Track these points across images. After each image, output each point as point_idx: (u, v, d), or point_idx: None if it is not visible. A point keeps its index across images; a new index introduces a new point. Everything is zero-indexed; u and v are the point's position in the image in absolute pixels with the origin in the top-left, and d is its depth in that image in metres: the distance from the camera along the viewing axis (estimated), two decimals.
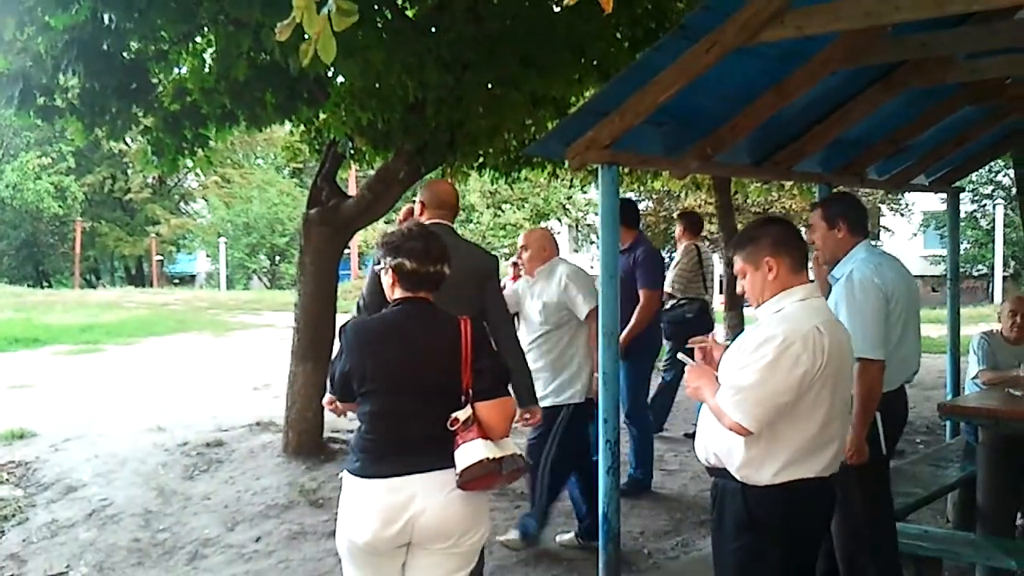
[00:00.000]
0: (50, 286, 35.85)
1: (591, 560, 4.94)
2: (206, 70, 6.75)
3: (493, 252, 5.16)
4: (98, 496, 6.44)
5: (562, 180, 14.72)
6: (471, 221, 32.26)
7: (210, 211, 39.48)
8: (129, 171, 38.12)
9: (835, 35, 4.20)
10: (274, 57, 5.71)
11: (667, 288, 7.46)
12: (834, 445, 3.11)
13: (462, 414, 3.03)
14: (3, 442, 7.78)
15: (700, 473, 6.82)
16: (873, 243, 4.40)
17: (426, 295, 3.18)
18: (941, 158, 6.66)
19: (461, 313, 3.22)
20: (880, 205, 31.68)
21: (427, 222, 4.24)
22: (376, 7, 5.92)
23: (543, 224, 33.81)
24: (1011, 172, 16.81)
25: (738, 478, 3.07)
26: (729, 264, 13.08)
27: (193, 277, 45.08)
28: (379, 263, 3.27)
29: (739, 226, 13.49)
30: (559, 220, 34.55)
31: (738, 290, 3.25)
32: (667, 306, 7.52)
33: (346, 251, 8.44)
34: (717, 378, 3.11)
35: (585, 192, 29.80)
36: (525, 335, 5.24)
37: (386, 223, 19.92)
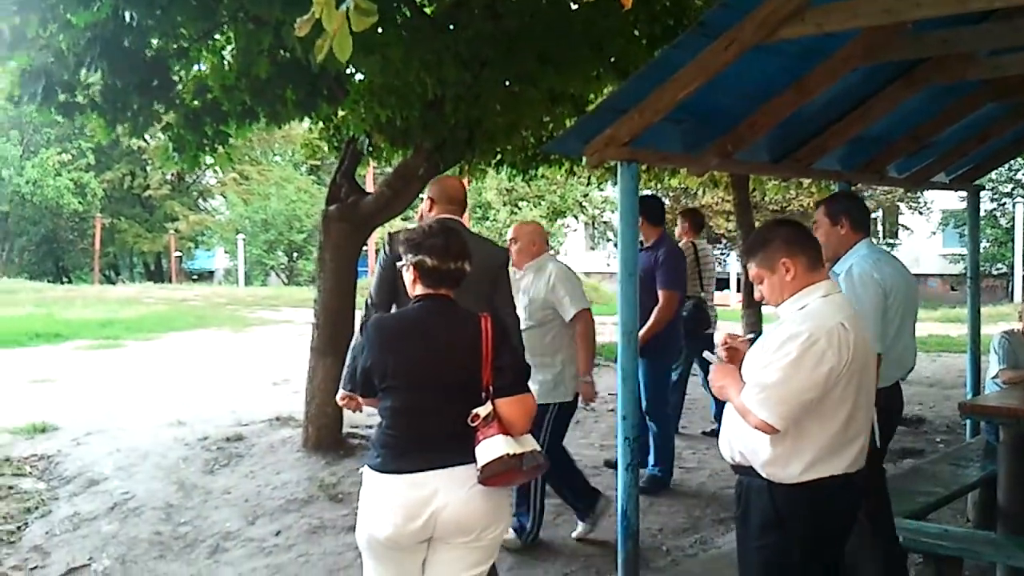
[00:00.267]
0: (70, 282, 36.08)
1: (609, 557, 4.95)
2: (226, 67, 6.78)
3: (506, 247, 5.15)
4: (120, 489, 6.49)
5: (579, 178, 14.73)
6: (487, 219, 32.26)
7: (228, 208, 39.64)
8: (148, 168, 38.37)
9: (855, 32, 4.19)
10: (295, 54, 5.73)
11: None
12: (859, 441, 3.09)
13: (483, 410, 3.05)
14: (26, 436, 7.86)
15: (719, 471, 6.83)
16: (875, 241, 4.48)
17: (447, 292, 3.20)
18: (962, 155, 6.62)
19: (478, 308, 3.23)
20: (899, 203, 31.55)
21: (440, 218, 4.28)
22: (395, 4, 5.94)
23: (560, 222, 33.86)
24: None
25: (764, 476, 3.07)
26: (745, 265, 13.03)
27: (211, 273, 45.28)
28: (389, 259, 3.28)
29: (756, 223, 13.46)
30: (575, 217, 34.56)
31: (756, 296, 3.24)
32: None
33: (364, 248, 8.47)
34: (742, 377, 3.11)
35: (602, 190, 29.79)
36: None
37: (403, 220, 19.99)
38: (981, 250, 10.55)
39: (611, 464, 7.23)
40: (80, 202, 36.50)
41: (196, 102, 6.91)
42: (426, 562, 3.19)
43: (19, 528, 5.85)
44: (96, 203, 37.69)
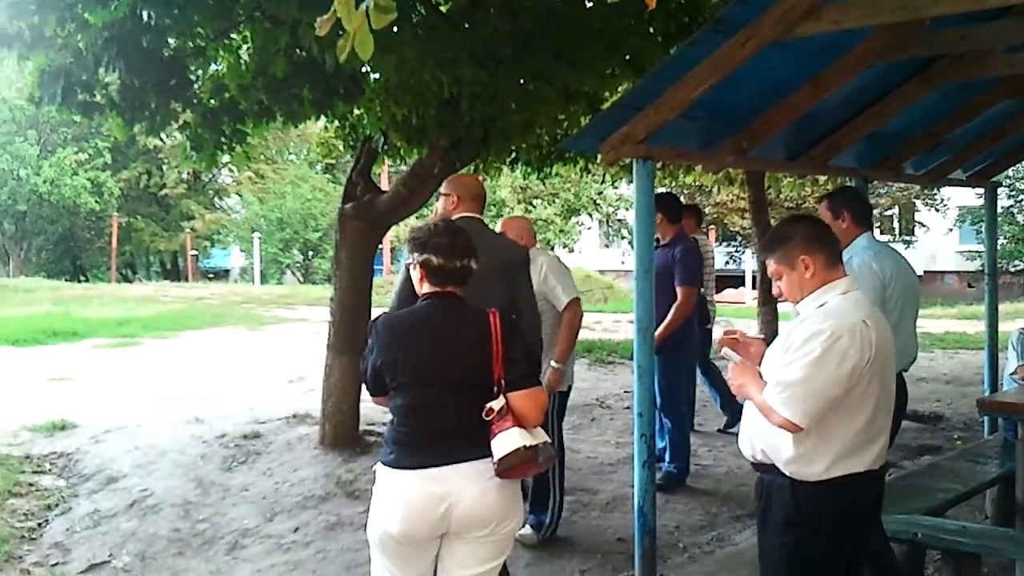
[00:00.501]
0: (87, 280, 36.33)
1: (626, 553, 4.97)
2: (243, 66, 6.82)
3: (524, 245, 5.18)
4: (138, 487, 6.54)
5: (593, 175, 14.72)
6: (502, 216, 32.26)
7: (244, 206, 39.82)
8: (164, 167, 38.58)
9: (872, 29, 4.18)
10: (311, 53, 5.75)
11: None
12: (882, 438, 3.10)
13: (496, 404, 3.08)
14: (45, 433, 7.92)
15: (735, 468, 6.82)
16: (890, 238, 4.56)
17: (454, 289, 3.23)
18: (979, 152, 6.60)
19: (495, 305, 3.25)
20: (915, 200, 31.39)
21: (462, 215, 4.33)
22: (411, 3, 5.95)
23: (574, 219, 33.87)
24: None
25: (787, 474, 3.07)
26: (762, 261, 13.01)
27: (227, 272, 45.49)
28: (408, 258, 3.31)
29: (772, 221, 13.43)
30: (590, 215, 34.54)
31: (774, 292, 3.24)
32: None
33: (379, 246, 8.50)
34: (761, 375, 3.11)
35: (616, 187, 29.77)
36: None
37: (418, 219, 20.02)
38: (998, 247, 10.51)
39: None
40: (97, 201, 36.71)
41: (213, 101, 6.95)
42: (440, 557, 3.21)
43: (40, 525, 5.91)
44: (113, 202, 37.92)
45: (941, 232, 33.87)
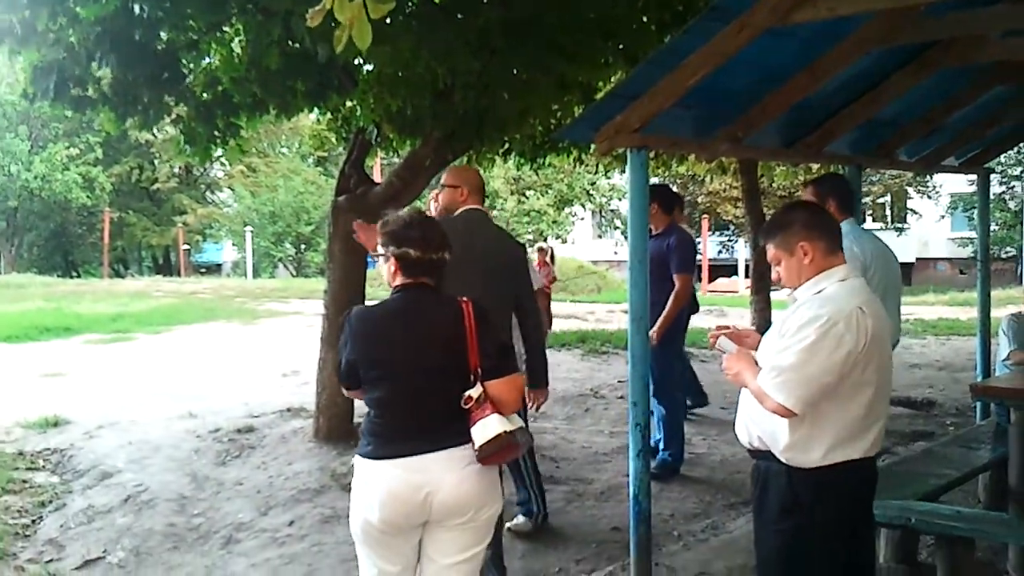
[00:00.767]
0: (79, 276, 36.21)
1: (621, 542, 4.97)
2: (236, 59, 6.79)
3: (518, 238, 5.22)
4: (133, 482, 6.52)
5: (586, 166, 14.72)
6: (495, 207, 32.24)
7: (236, 200, 39.68)
8: (156, 161, 38.43)
9: (867, 15, 4.17)
10: (304, 45, 5.73)
11: None
12: (878, 425, 3.10)
13: (475, 391, 3.11)
14: (38, 429, 7.90)
15: (728, 456, 6.84)
16: (854, 221, 4.67)
17: (427, 280, 3.23)
18: (972, 139, 6.60)
19: (504, 300, 3.25)
20: (908, 188, 31.48)
21: (470, 207, 4.39)
22: None
23: (567, 210, 33.85)
24: None
25: (783, 460, 3.07)
26: (755, 248, 13.04)
27: (220, 266, 45.36)
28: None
29: (765, 209, 13.45)
30: (583, 206, 34.54)
31: (773, 277, 3.25)
32: None
33: None
34: (756, 362, 3.11)
35: (609, 178, 29.79)
36: None
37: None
38: (990, 233, 10.55)
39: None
40: (88, 196, 36.58)
41: (206, 94, 6.92)
42: (422, 547, 3.24)
43: (34, 521, 5.88)
44: (104, 197, 37.75)
45: (933, 219, 33.98)
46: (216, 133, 7.06)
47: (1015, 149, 24.39)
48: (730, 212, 28.70)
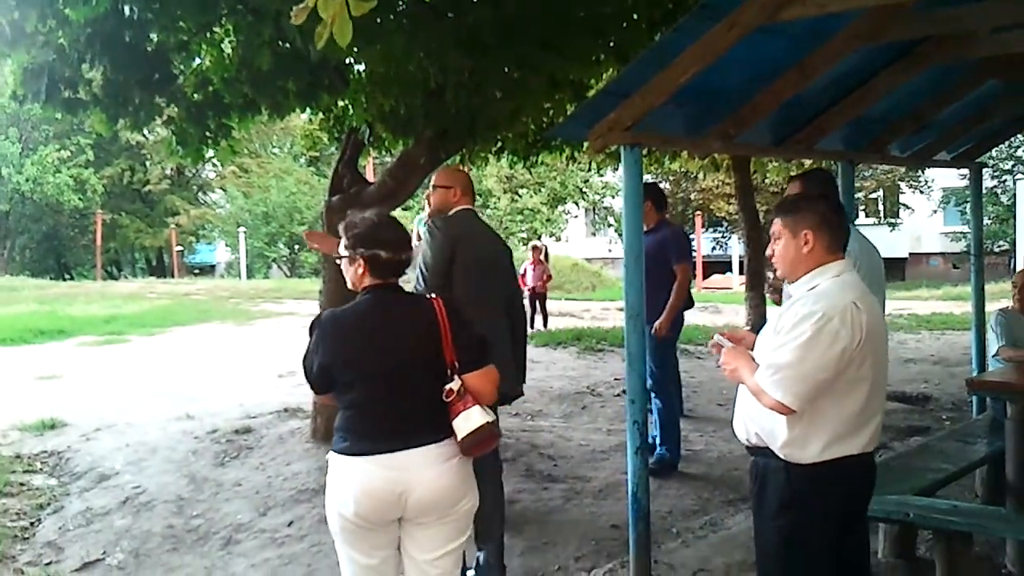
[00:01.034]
0: (72, 278, 36.10)
1: (620, 539, 4.99)
2: (227, 60, 6.78)
3: (512, 236, 5.26)
4: (131, 484, 6.52)
5: (579, 164, 14.72)
6: (488, 206, 32.22)
7: (228, 201, 39.59)
8: (147, 163, 38.33)
9: (857, 12, 4.18)
10: (295, 45, 5.73)
11: None
12: (876, 420, 3.11)
13: (455, 385, 3.14)
14: (35, 432, 7.88)
15: (726, 453, 6.86)
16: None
17: (394, 280, 3.26)
18: (964, 133, 6.61)
19: (499, 302, 3.27)
20: (900, 183, 31.54)
21: (462, 207, 4.42)
22: None
23: (560, 208, 33.84)
24: None
25: (782, 456, 3.09)
26: (749, 243, 13.06)
27: (213, 267, 45.26)
28: (446, 241, 3.28)
29: (757, 206, 13.47)
30: (576, 204, 34.53)
31: (767, 252, 3.27)
32: None
33: None
34: (753, 359, 3.13)
35: (602, 175, 29.78)
36: None
37: (404, 210, 19.98)
38: (983, 227, 10.59)
39: None
40: (80, 198, 36.45)
41: (198, 95, 6.90)
42: (403, 545, 3.27)
43: (32, 524, 5.88)
44: (96, 199, 37.65)
45: (926, 214, 34.03)
46: (208, 134, 7.05)
47: (1006, 143, 24.49)
48: (723, 209, 28.73)
